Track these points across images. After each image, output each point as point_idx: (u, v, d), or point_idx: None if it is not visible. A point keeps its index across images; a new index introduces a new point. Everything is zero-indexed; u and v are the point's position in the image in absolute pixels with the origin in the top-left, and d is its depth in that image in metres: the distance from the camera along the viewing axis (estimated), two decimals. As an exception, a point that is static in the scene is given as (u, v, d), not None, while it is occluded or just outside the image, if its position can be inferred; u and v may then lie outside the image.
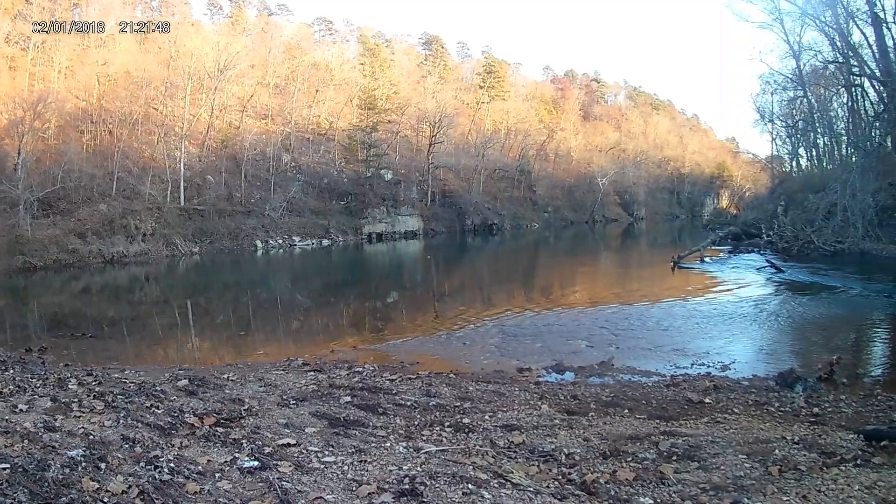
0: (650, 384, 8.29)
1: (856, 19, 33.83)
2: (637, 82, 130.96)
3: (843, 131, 46.77)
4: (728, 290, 18.44)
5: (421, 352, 10.33)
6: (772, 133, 58.74)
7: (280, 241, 40.09)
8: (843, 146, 47.69)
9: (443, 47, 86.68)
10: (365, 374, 8.14)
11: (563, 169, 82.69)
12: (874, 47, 32.61)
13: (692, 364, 9.73)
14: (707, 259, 25.73)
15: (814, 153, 54.53)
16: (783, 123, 55.91)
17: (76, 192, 32.80)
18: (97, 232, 31.55)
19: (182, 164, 37.70)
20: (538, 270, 30.20)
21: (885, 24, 30.36)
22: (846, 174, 24.59)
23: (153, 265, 31.01)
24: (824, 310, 14.70)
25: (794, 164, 59.00)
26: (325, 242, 42.85)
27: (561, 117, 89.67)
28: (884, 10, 30.60)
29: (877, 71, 31.77)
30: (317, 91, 54.30)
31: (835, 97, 47.73)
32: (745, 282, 20.01)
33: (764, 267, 22.20)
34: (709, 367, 9.62)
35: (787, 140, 58.40)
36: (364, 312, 16.90)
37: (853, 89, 38.96)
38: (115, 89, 39.75)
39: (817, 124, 49.08)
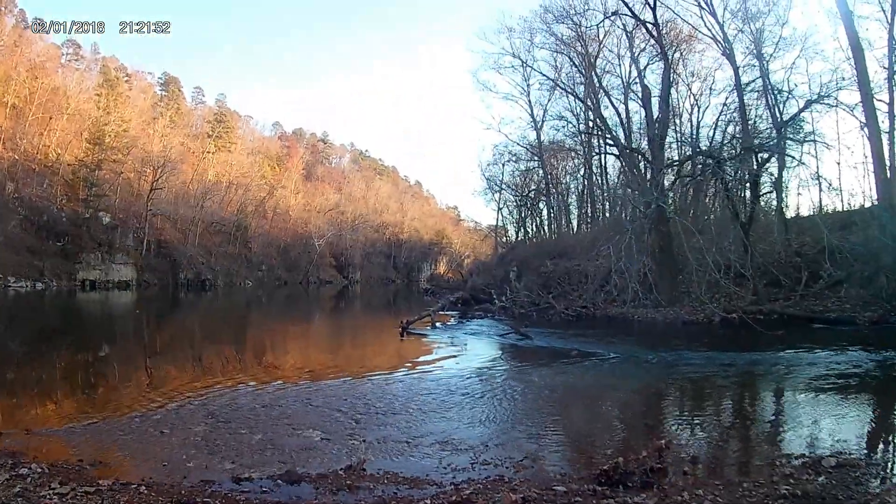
0: (429, 502, 6.17)
1: (610, 95, 38.65)
2: (364, 146, 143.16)
3: (578, 201, 53.13)
4: (477, 360, 16.84)
5: (107, 442, 8.42)
6: (498, 202, 63.35)
7: None
8: (577, 216, 54.16)
9: (179, 90, 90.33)
10: (30, 480, 6.32)
11: (281, 227, 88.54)
12: (625, 122, 38.03)
13: (472, 463, 7.74)
14: (439, 325, 24.51)
15: (545, 222, 59.09)
16: (513, 193, 60.25)
17: None
18: None
19: None
20: (252, 334, 28.33)
21: (650, 98, 32.87)
22: (620, 236, 24.61)
23: None
24: (601, 381, 13.79)
25: (520, 232, 62.55)
26: (39, 286, 44.07)
27: (284, 175, 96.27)
28: (644, 84, 34.29)
29: (642, 143, 35.69)
30: (50, 118, 55.24)
31: (572, 169, 54.35)
32: (493, 351, 19.00)
33: (508, 333, 20.86)
34: (497, 465, 7.64)
35: (515, 209, 62.50)
36: (51, 380, 14.28)
37: (602, 159, 45.20)
38: None
39: (552, 194, 53.00)
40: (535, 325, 23.14)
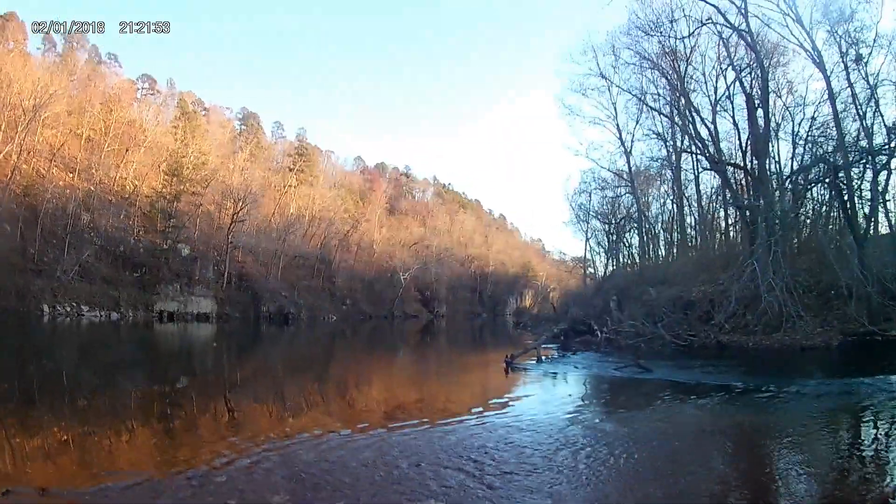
0: None
1: (700, 113, 37.14)
2: (446, 180, 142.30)
3: (667, 228, 51.34)
4: (605, 399, 15.23)
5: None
6: (586, 232, 62.31)
7: (68, 309, 40.70)
8: (664, 243, 52.30)
9: (258, 125, 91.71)
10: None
11: (365, 261, 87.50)
12: (715, 140, 36.49)
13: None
14: (544, 359, 22.27)
15: (635, 249, 57.09)
16: (602, 221, 58.98)
17: None
18: None
19: (-20, 209, 38.06)
20: (339, 370, 24.89)
21: (755, 107, 31.96)
22: (762, 251, 24.30)
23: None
24: (756, 419, 11.42)
25: (611, 261, 61.36)
26: (115, 316, 43.58)
27: (367, 209, 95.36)
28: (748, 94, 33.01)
29: (742, 160, 35.60)
30: (127, 150, 55.76)
31: (661, 195, 52.40)
32: (616, 387, 16.83)
33: (625, 367, 18.94)
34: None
35: (605, 238, 61.37)
36: (99, 421, 11.08)
37: (697, 180, 43.62)
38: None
39: (643, 220, 51.06)
40: (644, 357, 20.87)
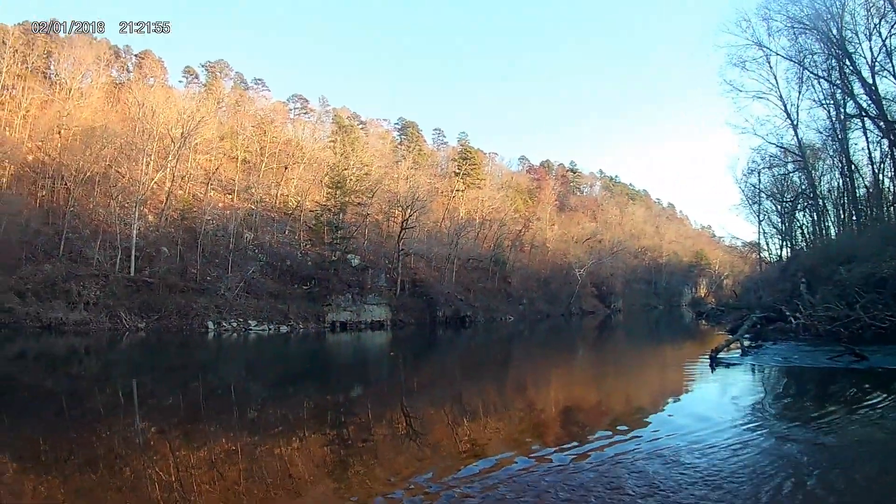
0: None
1: (862, 75, 34.21)
2: (612, 172, 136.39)
3: (835, 203, 46.96)
4: (838, 396, 13.00)
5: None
6: (758, 214, 58.72)
7: (234, 325, 39.41)
8: (838, 216, 47.40)
9: (418, 133, 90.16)
10: None
11: (539, 260, 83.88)
12: (879, 102, 33.30)
13: None
14: (746, 346, 21.59)
15: (808, 228, 53.44)
16: (774, 201, 56.10)
17: (20, 247, 33.48)
18: (37, 293, 32.07)
19: (135, 232, 38.74)
20: (527, 376, 21.41)
21: None
22: None
23: (93, 337, 30.20)
24: None
25: (786, 243, 57.75)
26: (284, 329, 41.77)
27: (537, 207, 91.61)
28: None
29: None
30: (286, 168, 55.49)
31: (828, 168, 47.79)
32: (840, 381, 15.00)
33: (839, 356, 17.39)
34: None
35: (778, 219, 57.94)
36: (255, 453, 9.33)
37: (869, 148, 39.43)
38: (76, 144, 41.17)
39: (817, 196, 47.26)
40: (847, 344, 19.45)
